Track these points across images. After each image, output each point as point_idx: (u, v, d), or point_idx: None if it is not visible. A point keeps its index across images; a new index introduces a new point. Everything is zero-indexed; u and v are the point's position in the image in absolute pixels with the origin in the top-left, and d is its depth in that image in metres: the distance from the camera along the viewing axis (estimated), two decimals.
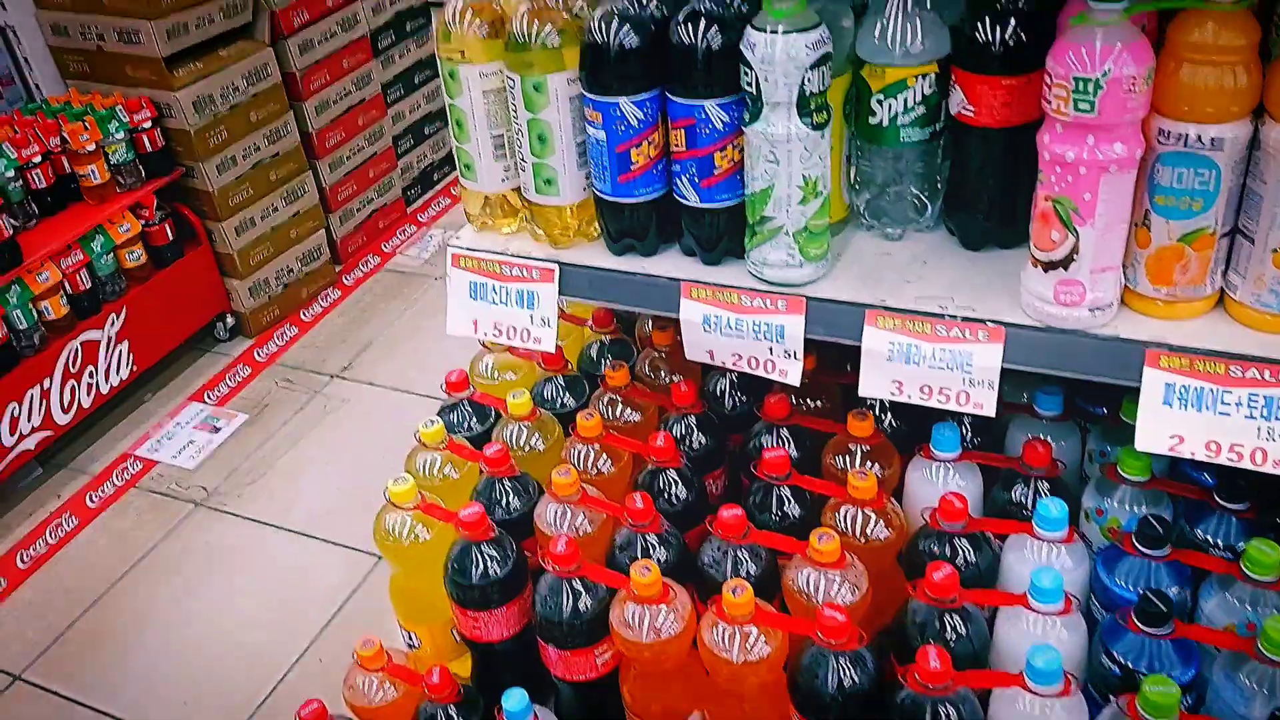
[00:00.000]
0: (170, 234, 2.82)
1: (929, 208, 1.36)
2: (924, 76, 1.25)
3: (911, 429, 1.52)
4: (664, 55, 1.30)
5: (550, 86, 1.38)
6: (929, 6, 1.24)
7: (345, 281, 3.35)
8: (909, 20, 1.24)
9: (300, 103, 3.08)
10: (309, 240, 3.20)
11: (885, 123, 1.29)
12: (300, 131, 3.09)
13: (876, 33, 1.25)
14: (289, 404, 2.83)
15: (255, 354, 3.03)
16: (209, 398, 2.87)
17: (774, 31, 1.16)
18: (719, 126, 1.27)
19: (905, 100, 1.27)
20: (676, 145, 1.30)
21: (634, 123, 1.32)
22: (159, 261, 2.82)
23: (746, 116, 1.23)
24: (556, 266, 1.45)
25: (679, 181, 1.33)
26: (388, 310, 3.18)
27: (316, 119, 3.16)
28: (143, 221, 2.75)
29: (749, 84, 1.20)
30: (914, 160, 1.32)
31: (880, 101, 1.28)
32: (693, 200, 1.33)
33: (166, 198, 2.81)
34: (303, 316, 3.19)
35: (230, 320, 3.05)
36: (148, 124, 2.70)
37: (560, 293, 1.47)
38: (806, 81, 1.17)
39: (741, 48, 1.21)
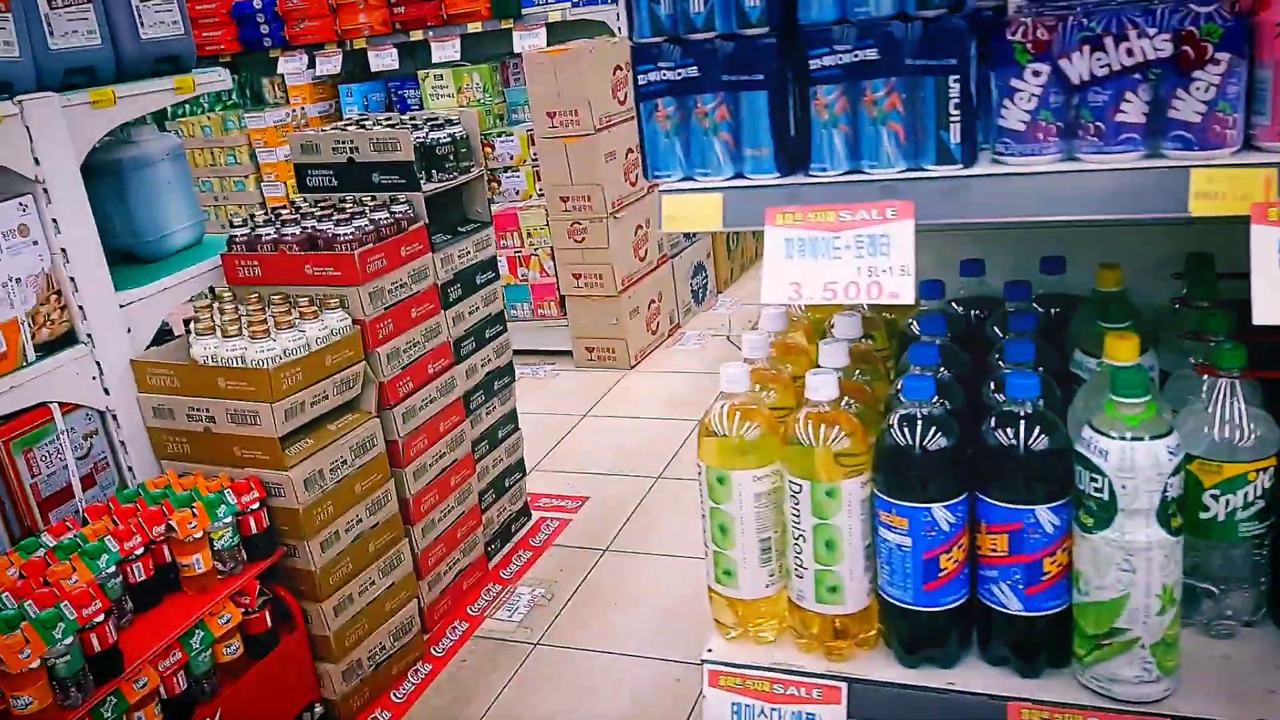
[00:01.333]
0: (268, 621, 2.63)
1: (1263, 603, 1.24)
2: (1264, 470, 1.17)
3: None
4: (979, 458, 1.22)
5: (843, 492, 1.29)
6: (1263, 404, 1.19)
7: (435, 652, 3.13)
8: (1251, 418, 1.18)
9: (400, 469, 3.01)
10: (401, 612, 3.01)
11: (1221, 517, 1.19)
12: (399, 498, 2.99)
13: (1212, 429, 1.19)
14: None
15: None
16: None
17: (1133, 439, 1.09)
18: (1049, 531, 1.17)
19: (1245, 495, 1.18)
20: (993, 550, 1.20)
21: (945, 528, 1.22)
22: (255, 652, 2.62)
23: (1089, 522, 1.13)
24: (845, 685, 1.29)
25: (994, 588, 1.21)
26: (487, 686, 2.94)
27: (414, 484, 3.07)
28: (243, 610, 2.58)
29: (1097, 490, 1.11)
30: (1248, 553, 1.22)
31: (1215, 496, 1.19)
32: (1014, 608, 1.20)
33: (265, 580, 2.65)
34: (394, 697, 2.95)
35: (319, 710, 2.79)
36: (255, 505, 2.60)
37: (849, 715, 1.30)
38: (1168, 488, 1.08)
39: (1084, 452, 1.13)
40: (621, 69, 5.16)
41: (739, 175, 1.40)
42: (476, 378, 3.45)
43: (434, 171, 3.21)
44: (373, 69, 5.95)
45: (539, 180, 5.34)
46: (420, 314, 3.12)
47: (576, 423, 4.69)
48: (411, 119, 3.41)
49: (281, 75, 6.20)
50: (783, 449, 1.38)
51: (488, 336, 3.51)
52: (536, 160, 5.28)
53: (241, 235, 2.97)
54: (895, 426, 1.27)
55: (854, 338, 1.64)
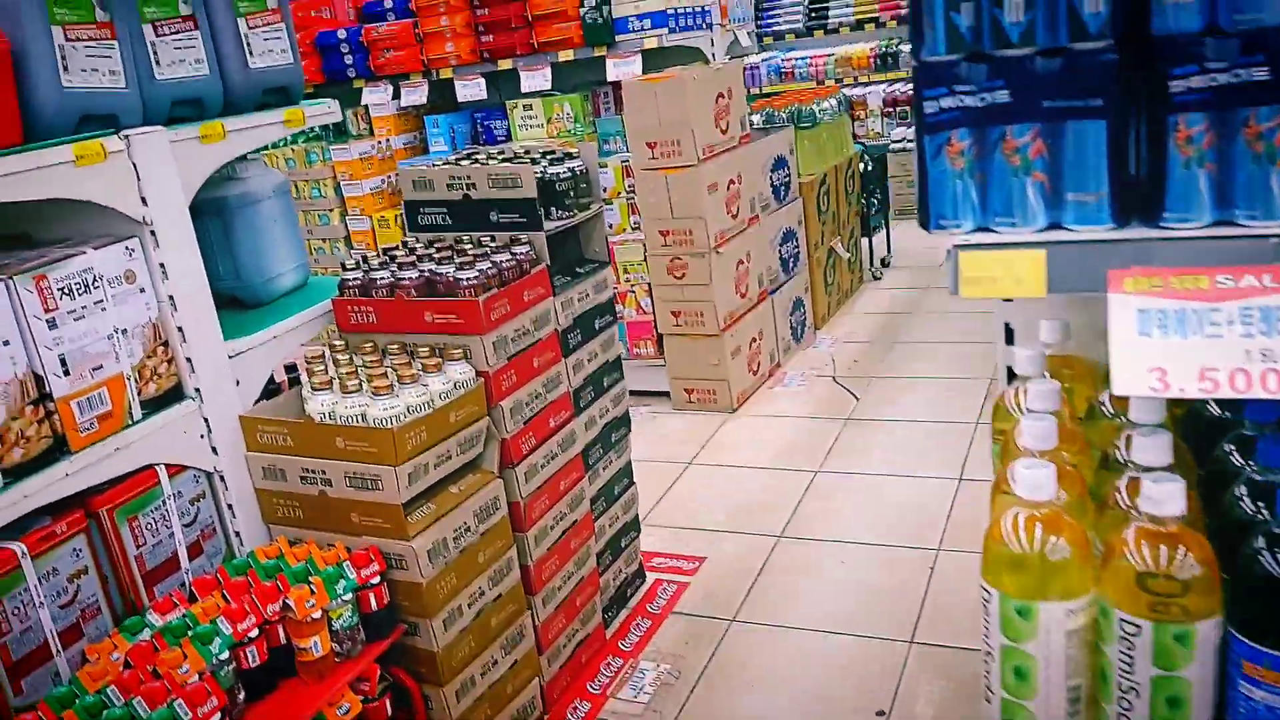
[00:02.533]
0: (389, 709, 2.37)
1: None
2: None
3: None
4: None
5: (1198, 636, 0.99)
6: None
7: None
8: None
9: (523, 534, 2.74)
10: (523, 693, 2.74)
11: None
12: (520, 566, 2.73)
13: None
14: None
15: None
16: None
17: None
18: None
19: None
20: None
21: None
22: None
23: None
24: None
25: None
26: None
27: (536, 549, 2.81)
28: (363, 697, 2.32)
29: None
30: None
31: None
32: None
33: (382, 663, 2.39)
34: None
35: None
36: (376, 579, 2.35)
37: None
38: None
39: None
40: (725, 96, 4.91)
41: (1055, 225, 1.11)
42: (595, 430, 3.18)
43: (554, 209, 2.96)
44: (459, 99, 5.76)
45: (634, 213, 5.10)
46: (542, 363, 2.86)
47: (682, 471, 4.40)
48: (527, 152, 3.17)
49: (366, 106, 6.03)
50: (1108, 577, 1.08)
51: (605, 385, 3.25)
52: (632, 193, 5.04)
53: (354, 279, 2.73)
54: (1266, 549, 0.98)
55: (1054, 409, 1.40)
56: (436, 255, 2.74)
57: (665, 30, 5.17)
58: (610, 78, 5.32)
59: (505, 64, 5.62)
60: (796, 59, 9.80)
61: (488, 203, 2.91)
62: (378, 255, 2.83)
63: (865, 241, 6.98)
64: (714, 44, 5.55)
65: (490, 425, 2.64)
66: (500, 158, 3.13)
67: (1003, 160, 1.11)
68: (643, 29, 5.21)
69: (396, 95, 5.88)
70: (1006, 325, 1.86)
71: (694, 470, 4.41)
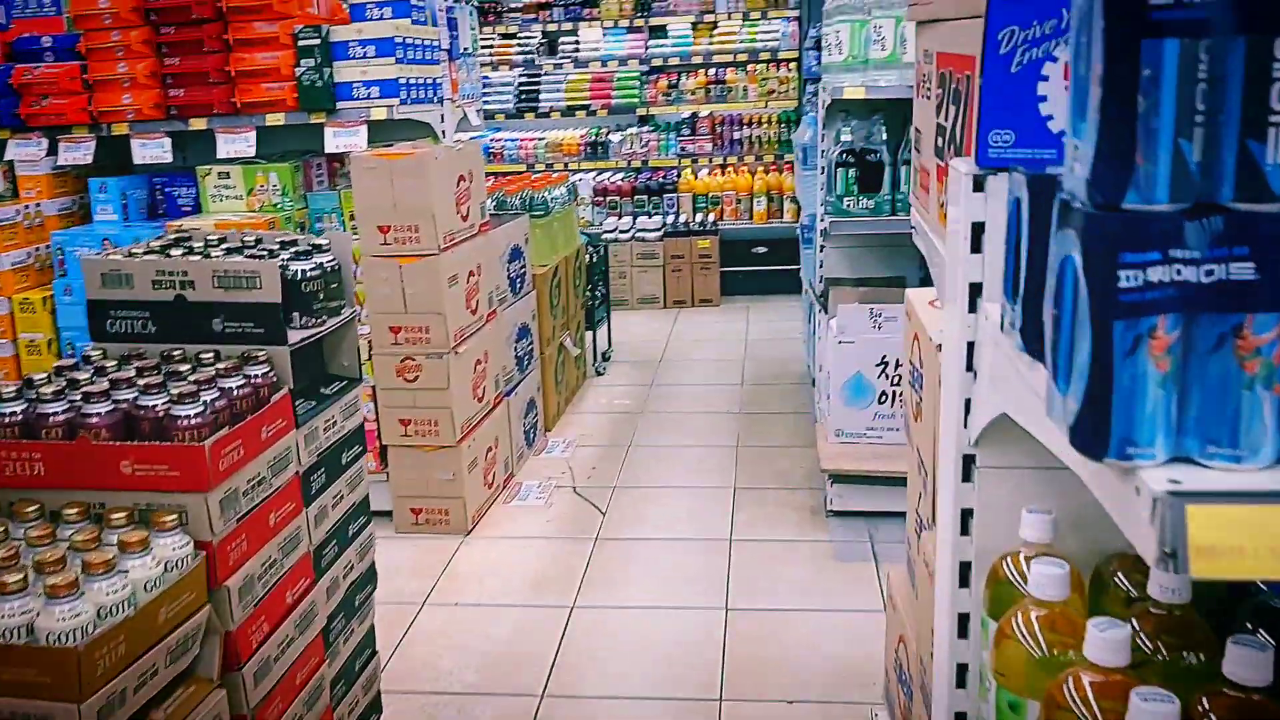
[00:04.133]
0: None
1: None
2: None
3: None
4: None
5: None
6: None
7: None
8: None
9: None
10: None
11: None
12: None
13: None
14: None
15: None
16: None
17: None
18: None
19: None
20: None
21: None
22: None
23: None
24: None
25: None
26: None
27: None
28: None
29: None
30: None
31: None
32: None
33: None
34: None
35: None
36: None
37: None
38: None
39: None
40: (466, 179, 4.40)
41: None
42: (338, 595, 2.51)
43: (299, 315, 2.33)
44: (136, 160, 4.82)
45: (360, 306, 4.43)
46: (280, 519, 2.19)
47: (416, 614, 3.75)
48: (258, 241, 2.50)
49: (10, 162, 4.91)
50: None
51: (351, 534, 2.60)
52: (359, 282, 4.37)
53: (11, 412, 1.94)
54: None
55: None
56: (139, 379, 2.01)
57: (397, 101, 4.60)
58: (329, 148, 4.66)
59: (198, 123, 4.79)
60: (506, 139, 9.48)
61: (210, 307, 2.22)
62: (48, 378, 2.04)
63: (589, 335, 6.67)
64: (444, 119, 5.06)
65: (213, 616, 1.93)
66: (222, 245, 2.44)
67: (1232, 364, 0.72)
68: (370, 97, 4.61)
69: (53, 151, 4.85)
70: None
71: (430, 613, 3.77)
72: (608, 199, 9.14)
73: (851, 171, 4.35)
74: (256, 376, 2.13)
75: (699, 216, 8.84)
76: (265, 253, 2.36)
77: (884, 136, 4.38)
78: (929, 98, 1.70)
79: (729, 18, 9.26)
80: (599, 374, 6.69)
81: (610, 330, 7.12)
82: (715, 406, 5.92)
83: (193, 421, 1.91)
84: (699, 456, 5.16)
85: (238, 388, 2.06)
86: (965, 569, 1.50)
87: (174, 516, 1.86)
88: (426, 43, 4.89)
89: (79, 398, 1.95)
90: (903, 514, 4.49)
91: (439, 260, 4.12)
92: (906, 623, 2.39)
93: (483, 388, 4.59)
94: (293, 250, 2.39)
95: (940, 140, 1.56)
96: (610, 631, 3.58)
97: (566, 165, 9.35)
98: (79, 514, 1.86)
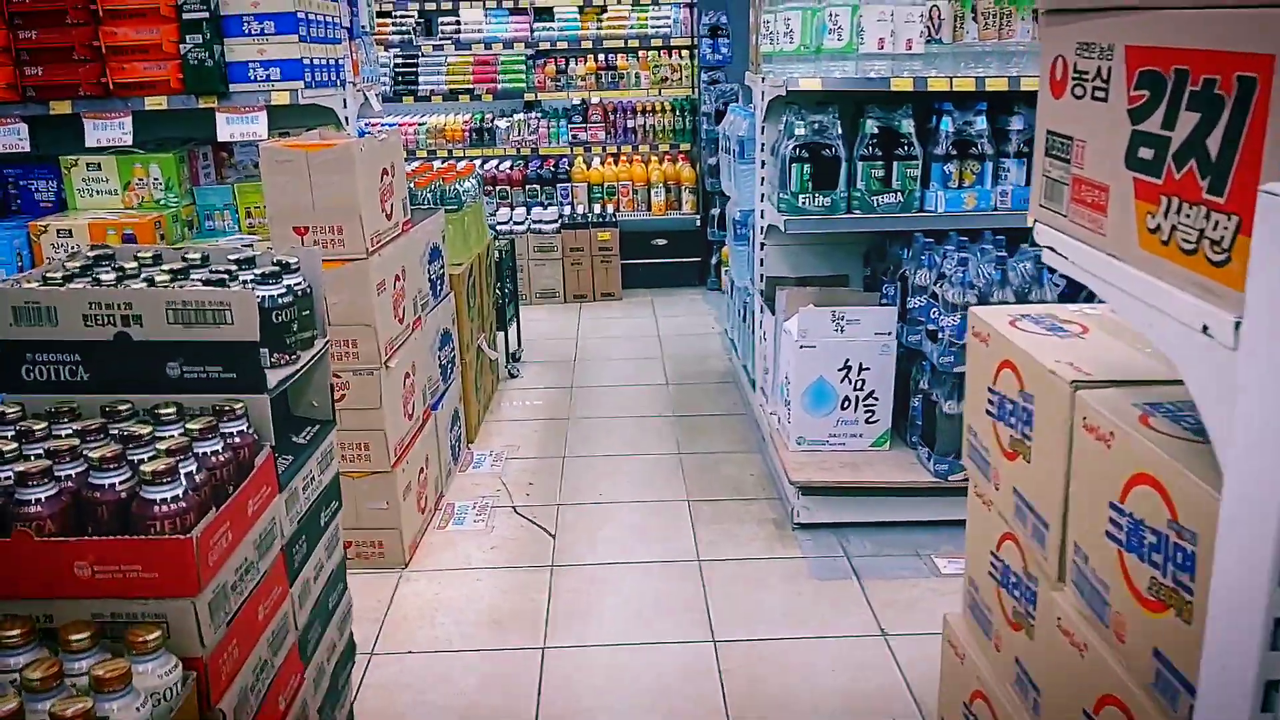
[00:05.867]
0: None
1: None
2: None
3: None
4: None
5: None
6: None
7: None
8: None
9: None
10: None
11: None
12: None
13: None
14: None
15: None
16: None
17: None
18: None
19: None
20: None
21: None
22: None
23: None
24: None
25: None
26: None
27: None
28: None
29: None
30: None
31: None
32: None
33: None
34: None
35: None
36: None
37: None
38: None
39: None
40: (388, 173, 3.91)
41: None
42: (324, 684, 2.07)
43: (269, 351, 1.87)
44: None
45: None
46: (269, 610, 1.75)
47: (365, 669, 3.29)
48: (203, 257, 2.01)
49: None
50: None
51: (331, 608, 2.16)
52: None
53: None
54: None
55: None
56: (86, 448, 1.54)
57: (301, 84, 4.07)
58: (222, 137, 4.10)
59: (61, 107, 4.13)
60: (383, 125, 8.86)
61: (162, 347, 1.74)
62: None
63: (501, 336, 6.23)
64: (346, 105, 4.56)
65: None
66: (160, 266, 1.95)
67: None
68: (270, 79, 4.06)
69: None
70: None
71: (381, 665, 3.32)
72: (497, 188, 8.66)
73: (806, 167, 4.07)
74: (234, 436, 1.68)
75: (596, 208, 8.46)
76: (224, 274, 1.89)
77: (839, 131, 4.12)
78: (1101, 99, 1.41)
79: (618, 2, 8.88)
80: (513, 376, 6.26)
81: (520, 329, 6.69)
82: (645, 410, 5.59)
83: (170, 507, 1.45)
84: (641, 467, 4.82)
85: (216, 453, 1.60)
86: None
87: (156, 634, 1.40)
88: (329, 19, 4.37)
89: (8, 476, 1.47)
90: (873, 525, 4.28)
91: (367, 265, 3.63)
92: (986, 677, 2.13)
93: (412, 403, 4.12)
94: (254, 272, 1.93)
95: (1151, 153, 1.27)
96: (592, 674, 3.21)
97: (451, 153, 8.82)
98: (21, 636, 1.38)
